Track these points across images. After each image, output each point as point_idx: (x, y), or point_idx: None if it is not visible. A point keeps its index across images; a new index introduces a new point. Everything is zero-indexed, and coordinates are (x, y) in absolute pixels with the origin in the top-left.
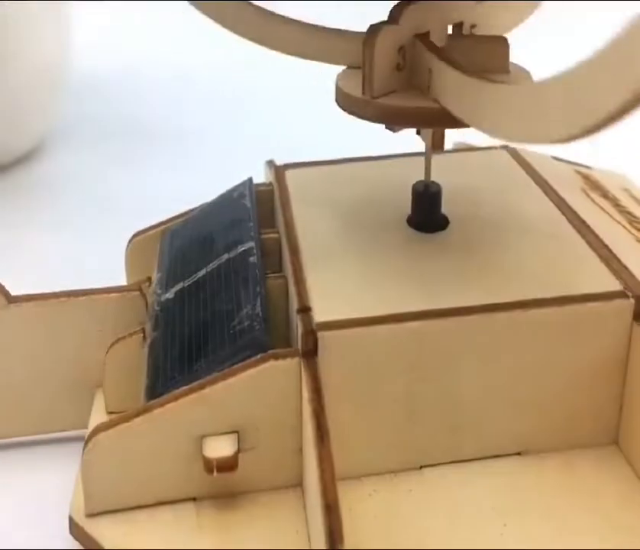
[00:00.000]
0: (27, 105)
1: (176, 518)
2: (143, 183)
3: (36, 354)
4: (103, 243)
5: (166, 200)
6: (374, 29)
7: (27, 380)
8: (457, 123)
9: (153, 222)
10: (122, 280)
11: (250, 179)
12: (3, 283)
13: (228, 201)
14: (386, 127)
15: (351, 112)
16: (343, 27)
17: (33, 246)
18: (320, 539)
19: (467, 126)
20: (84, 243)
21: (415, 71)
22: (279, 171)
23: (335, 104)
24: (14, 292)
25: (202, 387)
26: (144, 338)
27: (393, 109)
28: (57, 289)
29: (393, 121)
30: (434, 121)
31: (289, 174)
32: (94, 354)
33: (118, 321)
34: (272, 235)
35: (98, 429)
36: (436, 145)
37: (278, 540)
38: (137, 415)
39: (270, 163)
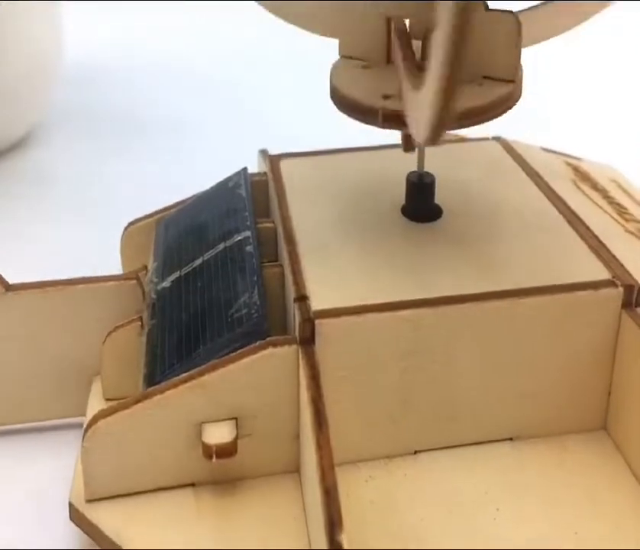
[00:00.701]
0: (19, 93)
1: (175, 503)
2: (137, 172)
3: (33, 342)
4: (97, 231)
5: (160, 189)
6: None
7: (25, 367)
8: None
9: (147, 211)
10: (116, 268)
11: (245, 169)
12: None
13: (223, 190)
14: None
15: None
16: None
17: (26, 233)
18: (319, 524)
19: None
20: (78, 231)
21: None
22: (273, 161)
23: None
24: (8, 280)
25: (201, 374)
26: (142, 326)
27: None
28: (50, 276)
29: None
30: None
31: (284, 164)
32: (91, 342)
33: (116, 309)
34: (267, 225)
35: (98, 416)
36: None
37: (276, 525)
38: (137, 402)
39: (264, 153)
